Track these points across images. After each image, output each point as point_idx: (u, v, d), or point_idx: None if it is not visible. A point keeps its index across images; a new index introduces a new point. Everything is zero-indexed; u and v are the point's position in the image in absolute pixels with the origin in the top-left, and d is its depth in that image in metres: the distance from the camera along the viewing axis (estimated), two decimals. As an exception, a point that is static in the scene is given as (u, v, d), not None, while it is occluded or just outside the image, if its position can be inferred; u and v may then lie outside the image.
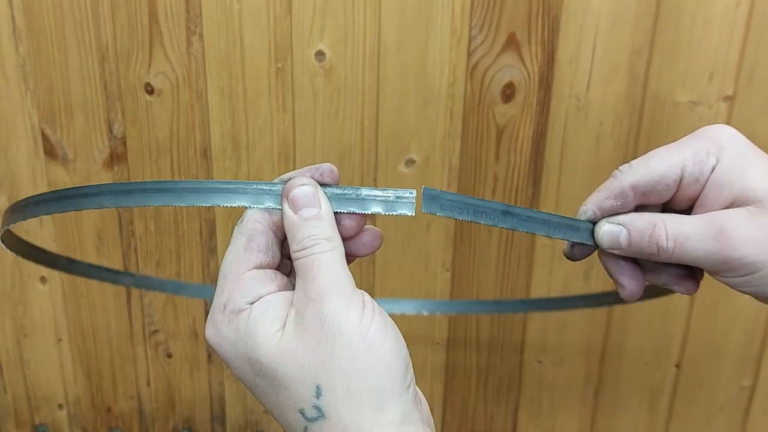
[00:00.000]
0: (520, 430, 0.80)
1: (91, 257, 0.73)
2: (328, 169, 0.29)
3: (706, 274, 0.32)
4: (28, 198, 0.31)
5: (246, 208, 0.29)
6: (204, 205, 0.29)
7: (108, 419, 0.82)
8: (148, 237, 0.73)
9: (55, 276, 0.75)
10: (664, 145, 0.34)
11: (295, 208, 0.28)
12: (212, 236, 0.72)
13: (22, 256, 0.39)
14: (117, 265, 0.74)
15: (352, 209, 0.29)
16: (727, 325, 0.74)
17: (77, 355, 0.79)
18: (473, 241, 0.71)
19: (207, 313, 0.76)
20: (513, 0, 0.63)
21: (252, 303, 0.27)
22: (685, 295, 0.72)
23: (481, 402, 0.79)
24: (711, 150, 0.30)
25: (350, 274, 0.27)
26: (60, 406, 0.82)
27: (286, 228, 0.28)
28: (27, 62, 0.67)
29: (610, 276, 0.33)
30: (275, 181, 0.29)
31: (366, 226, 0.29)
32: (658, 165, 0.30)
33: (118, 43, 0.66)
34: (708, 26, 0.63)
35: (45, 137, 0.70)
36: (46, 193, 0.31)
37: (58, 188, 0.30)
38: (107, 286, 0.75)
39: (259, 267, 0.28)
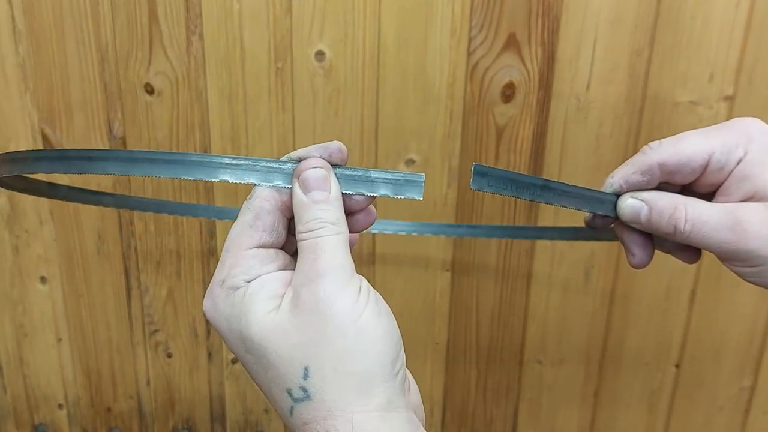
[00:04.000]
0: (520, 430, 0.79)
1: (91, 256, 0.73)
2: (336, 147, 0.29)
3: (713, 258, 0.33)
4: (28, 151, 0.30)
5: (255, 185, 0.28)
6: (212, 180, 0.28)
7: (108, 419, 0.82)
8: (148, 237, 0.72)
9: (55, 276, 0.74)
10: None
11: (306, 190, 0.28)
12: (212, 237, 0.72)
13: (7, 187, 0.38)
14: (117, 265, 0.73)
15: (360, 191, 0.29)
16: (726, 325, 0.73)
17: (77, 354, 0.79)
18: (473, 240, 0.71)
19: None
20: (513, 0, 0.62)
21: (249, 282, 0.27)
22: (686, 292, 0.72)
23: (480, 403, 0.78)
24: (740, 142, 0.30)
25: (351, 260, 0.27)
26: (60, 406, 0.81)
27: (294, 208, 0.28)
28: (27, 62, 0.66)
29: (623, 243, 0.34)
30: (284, 159, 0.29)
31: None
32: (687, 147, 0.31)
33: (118, 43, 0.65)
34: (708, 26, 0.62)
35: (45, 137, 0.69)
36: (50, 150, 0.29)
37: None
38: (107, 286, 0.75)
39: (262, 246, 0.28)
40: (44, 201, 0.71)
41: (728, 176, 0.31)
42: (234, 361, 0.78)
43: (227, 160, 0.28)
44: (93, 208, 0.71)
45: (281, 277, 0.27)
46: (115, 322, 0.77)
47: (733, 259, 0.31)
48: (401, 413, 0.26)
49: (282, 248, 0.29)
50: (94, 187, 0.70)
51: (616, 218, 0.33)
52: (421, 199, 0.29)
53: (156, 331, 0.77)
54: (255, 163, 0.28)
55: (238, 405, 0.80)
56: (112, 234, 0.73)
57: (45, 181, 0.44)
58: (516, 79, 0.65)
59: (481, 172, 0.29)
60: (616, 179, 0.32)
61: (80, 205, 0.71)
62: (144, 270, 0.74)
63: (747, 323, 0.73)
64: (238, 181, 0.28)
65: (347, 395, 0.25)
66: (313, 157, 0.28)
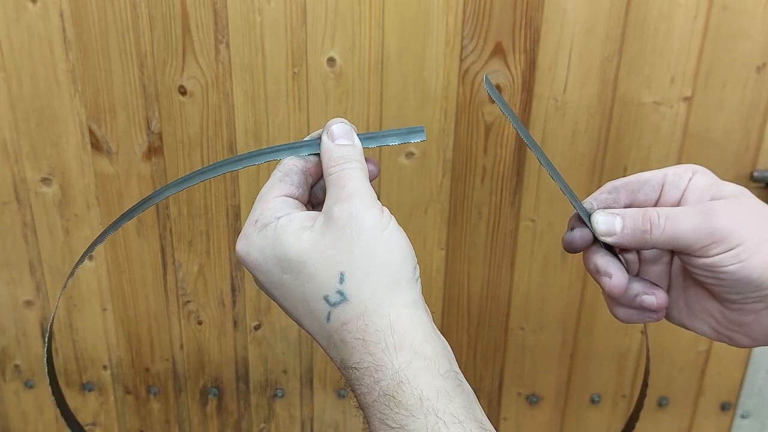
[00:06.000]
0: (505, 388, 0.85)
1: (132, 237, 0.78)
2: (350, 126, 0.32)
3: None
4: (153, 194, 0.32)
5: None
6: (258, 163, 0.31)
7: (146, 378, 0.87)
8: (182, 220, 0.78)
9: (100, 254, 0.80)
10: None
11: (333, 138, 0.30)
12: (237, 219, 0.78)
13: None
14: (155, 244, 0.79)
15: (373, 144, 0.32)
16: None
17: (119, 322, 0.83)
18: (465, 222, 0.76)
19: (233, 287, 0.85)
20: (499, 13, 0.67)
21: (279, 217, 0.29)
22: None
23: (471, 364, 0.84)
24: (687, 170, 0.32)
25: (373, 191, 0.29)
26: (104, 367, 0.86)
27: (322, 153, 0.30)
28: (76, 68, 0.71)
29: (599, 271, 0.32)
30: (306, 138, 0.32)
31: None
32: (644, 174, 0.33)
33: (155, 51, 0.70)
34: (669, 36, 0.67)
35: (92, 133, 0.74)
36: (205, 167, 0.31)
37: (119, 189, 0.32)
38: (146, 263, 0.79)
39: (290, 196, 0.30)
40: (91, 189, 0.77)
41: (684, 192, 0.32)
42: (257, 327, 0.85)
43: (253, 153, 0.31)
44: (134, 196, 0.76)
45: (308, 214, 0.29)
46: (152, 294, 0.82)
47: (709, 243, 0.29)
48: (425, 313, 0.28)
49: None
50: (134, 177, 0.76)
51: (594, 240, 0.32)
52: (425, 139, 0.32)
53: (188, 301, 0.82)
54: (280, 147, 0.31)
55: (260, 366, 0.85)
56: (150, 217, 0.78)
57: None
58: (502, 82, 0.70)
59: (490, 84, 0.32)
60: (587, 200, 0.33)
61: (123, 193, 0.78)
62: (178, 249, 0.79)
63: None
64: (276, 158, 0.31)
65: (380, 293, 0.27)
66: (338, 118, 0.31)
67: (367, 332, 0.27)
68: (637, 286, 0.33)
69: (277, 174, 0.31)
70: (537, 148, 0.33)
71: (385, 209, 0.29)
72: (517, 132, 0.33)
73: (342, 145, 0.30)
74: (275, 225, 0.29)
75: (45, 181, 0.77)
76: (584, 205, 0.33)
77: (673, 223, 0.30)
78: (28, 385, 0.89)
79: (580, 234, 0.33)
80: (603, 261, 0.33)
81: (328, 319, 0.28)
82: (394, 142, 0.32)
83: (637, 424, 0.39)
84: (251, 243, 0.29)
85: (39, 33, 0.70)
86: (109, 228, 0.33)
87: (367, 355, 0.26)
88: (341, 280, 0.27)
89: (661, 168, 0.33)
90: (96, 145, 0.75)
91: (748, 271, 0.29)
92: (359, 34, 0.68)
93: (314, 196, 0.33)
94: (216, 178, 0.77)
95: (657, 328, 0.82)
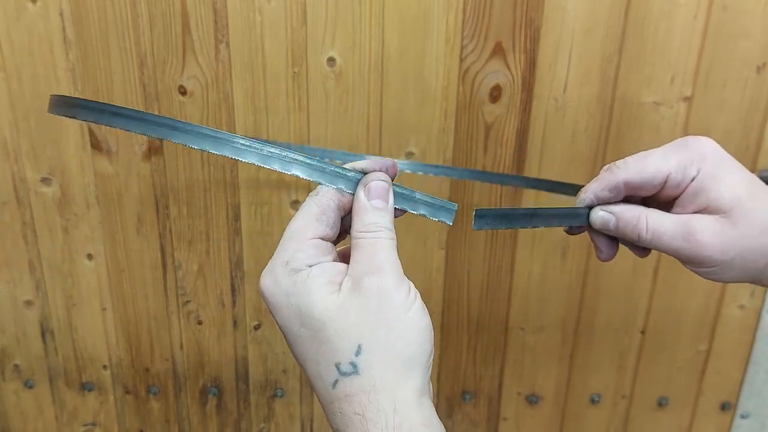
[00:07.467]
0: (505, 387, 0.85)
1: (131, 236, 0.78)
2: (392, 164, 0.31)
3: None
4: (107, 104, 0.29)
5: (320, 184, 0.30)
6: (285, 172, 0.29)
7: (146, 378, 0.87)
8: (181, 219, 0.78)
9: (100, 253, 0.79)
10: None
11: (370, 197, 0.30)
12: (237, 219, 0.78)
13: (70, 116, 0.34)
14: (154, 244, 0.79)
15: (404, 207, 0.32)
16: (685, 297, 0.79)
17: (119, 322, 0.83)
18: (465, 222, 0.76)
19: (233, 287, 0.84)
20: (499, 13, 0.67)
21: (311, 266, 0.29)
22: (650, 269, 0.78)
23: (471, 364, 0.84)
24: (694, 160, 0.33)
25: (400, 264, 0.29)
26: (104, 367, 0.86)
27: (355, 210, 0.30)
28: (76, 67, 0.70)
29: (593, 242, 0.37)
30: (348, 167, 0.31)
31: None
32: (649, 167, 0.33)
33: (155, 51, 0.70)
34: (669, 36, 0.67)
35: (91, 133, 0.74)
36: (132, 109, 0.28)
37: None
38: (145, 262, 0.79)
39: (323, 238, 0.30)
40: (91, 188, 0.77)
41: (684, 191, 0.33)
42: (256, 327, 0.85)
43: (301, 158, 0.30)
44: (134, 196, 0.76)
45: (338, 267, 0.29)
46: (152, 294, 0.81)
47: (688, 262, 0.33)
48: (429, 399, 0.28)
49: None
50: (134, 177, 0.76)
51: (589, 226, 0.36)
52: (450, 224, 0.32)
53: (188, 301, 0.82)
54: (325, 167, 0.30)
55: (259, 366, 0.85)
56: (150, 217, 0.78)
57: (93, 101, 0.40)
58: (502, 82, 0.70)
59: (480, 215, 0.33)
60: (587, 195, 0.35)
61: (123, 192, 0.78)
62: (178, 248, 0.79)
63: (703, 296, 0.79)
64: (307, 178, 0.30)
65: (392, 375, 0.27)
66: (380, 171, 0.31)
67: (369, 409, 0.27)
68: (626, 242, 0.37)
69: (313, 209, 0.30)
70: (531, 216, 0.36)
71: (412, 286, 0.29)
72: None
73: (377, 208, 0.30)
74: (307, 274, 0.28)
75: (45, 180, 0.77)
76: (585, 200, 0.36)
77: (659, 242, 0.34)
78: (28, 385, 0.89)
79: (577, 228, 0.37)
80: (597, 239, 0.37)
81: (334, 386, 0.28)
82: (424, 212, 0.32)
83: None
84: (279, 285, 0.29)
85: (39, 33, 0.70)
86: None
87: None
88: (358, 353, 0.27)
89: (668, 149, 0.34)
90: (96, 144, 0.75)
91: (723, 279, 0.34)
92: (359, 34, 0.68)
93: (342, 225, 0.32)
94: (216, 178, 0.77)
95: (657, 328, 0.82)
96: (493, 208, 0.34)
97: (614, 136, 0.72)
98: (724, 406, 0.86)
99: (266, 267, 0.30)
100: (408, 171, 0.67)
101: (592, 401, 0.86)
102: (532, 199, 0.77)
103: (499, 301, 0.81)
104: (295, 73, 0.70)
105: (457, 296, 0.81)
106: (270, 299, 0.29)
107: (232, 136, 0.30)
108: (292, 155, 0.30)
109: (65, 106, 0.31)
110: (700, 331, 0.81)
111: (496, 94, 0.70)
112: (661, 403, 0.86)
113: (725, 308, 0.80)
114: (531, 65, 0.69)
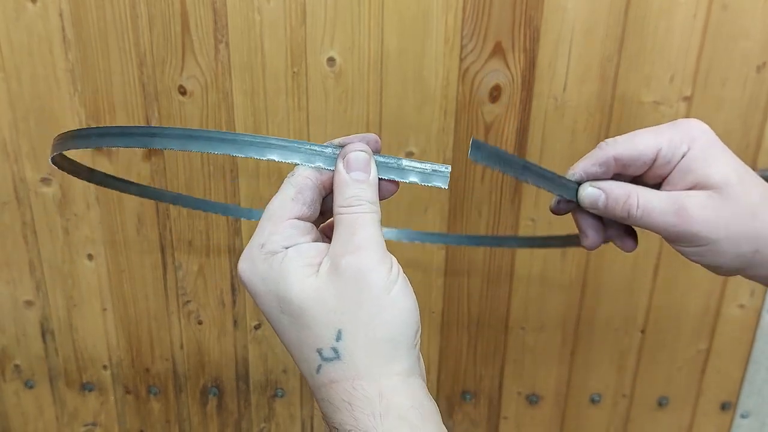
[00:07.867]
0: (506, 387, 0.85)
1: (132, 236, 0.79)
2: (374, 138, 0.30)
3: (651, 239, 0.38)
4: (93, 128, 0.30)
5: (297, 164, 0.29)
6: (261, 158, 0.29)
7: (146, 378, 0.87)
8: (181, 220, 0.78)
9: (100, 254, 0.80)
10: None
11: (349, 169, 0.28)
12: (237, 219, 0.78)
13: (57, 166, 0.38)
14: (155, 244, 0.79)
15: (392, 177, 0.30)
16: (685, 296, 0.79)
17: (119, 322, 0.84)
18: (465, 222, 0.76)
19: (233, 286, 0.85)
20: (499, 12, 0.67)
21: (287, 248, 0.28)
22: (650, 268, 0.79)
23: (471, 363, 0.84)
24: (684, 140, 0.33)
25: (383, 239, 0.28)
26: (104, 367, 0.86)
27: (335, 184, 0.29)
28: (75, 67, 0.70)
29: (578, 227, 0.36)
30: (326, 144, 0.30)
31: None
32: (639, 144, 0.33)
33: (155, 51, 0.70)
34: (669, 35, 0.67)
35: None
36: (113, 126, 0.29)
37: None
38: (146, 263, 0.80)
39: (300, 218, 0.29)
40: (91, 189, 0.77)
41: (673, 169, 0.33)
42: (257, 327, 0.85)
43: (275, 141, 0.29)
44: (133, 195, 0.79)
45: (316, 248, 0.28)
46: (152, 294, 0.82)
47: (678, 240, 0.33)
48: (417, 379, 0.27)
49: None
50: (134, 177, 0.78)
51: (577, 204, 0.35)
52: (446, 188, 0.29)
53: (188, 301, 0.82)
54: (300, 146, 0.29)
55: (260, 366, 0.86)
56: (150, 217, 0.78)
57: (86, 166, 0.45)
58: (502, 81, 0.70)
59: (477, 146, 0.31)
60: (577, 170, 0.34)
61: (123, 193, 0.79)
62: (178, 248, 0.79)
63: (703, 295, 0.79)
64: (283, 160, 0.29)
65: (375, 359, 0.26)
66: (358, 142, 0.29)
67: (355, 396, 0.26)
68: (611, 232, 0.37)
69: (289, 190, 0.29)
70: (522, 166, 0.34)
71: (394, 263, 0.27)
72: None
73: (357, 180, 0.28)
74: (282, 256, 0.27)
75: (45, 180, 0.77)
76: (575, 175, 0.35)
77: (649, 218, 0.33)
78: (28, 385, 0.89)
79: (565, 206, 0.36)
80: (583, 222, 0.36)
81: (318, 371, 0.27)
82: (415, 179, 0.30)
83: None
84: (255, 268, 0.28)
85: (39, 33, 0.70)
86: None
87: (351, 419, 0.26)
88: (338, 338, 0.26)
89: (659, 128, 0.34)
90: (96, 144, 0.76)
91: (712, 264, 0.33)
92: (359, 34, 0.68)
93: (325, 204, 0.31)
94: (216, 179, 0.77)
95: (657, 327, 0.82)
96: (491, 145, 0.33)
97: (614, 135, 0.70)
98: (724, 406, 0.86)
99: (243, 251, 0.29)
100: (405, 240, 0.62)
101: (593, 401, 0.86)
102: (532, 202, 0.77)
103: (499, 301, 0.81)
104: (294, 72, 0.70)
105: (457, 296, 0.81)
106: (248, 284, 0.28)
107: (206, 131, 0.29)
108: (266, 140, 0.29)
109: (68, 140, 0.31)
110: (700, 331, 0.81)
111: (495, 93, 0.71)
112: (662, 403, 0.86)
113: (725, 307, 0.80)
114: (530, 65, 0.69)
